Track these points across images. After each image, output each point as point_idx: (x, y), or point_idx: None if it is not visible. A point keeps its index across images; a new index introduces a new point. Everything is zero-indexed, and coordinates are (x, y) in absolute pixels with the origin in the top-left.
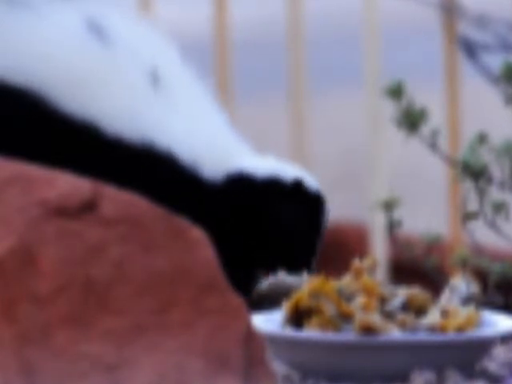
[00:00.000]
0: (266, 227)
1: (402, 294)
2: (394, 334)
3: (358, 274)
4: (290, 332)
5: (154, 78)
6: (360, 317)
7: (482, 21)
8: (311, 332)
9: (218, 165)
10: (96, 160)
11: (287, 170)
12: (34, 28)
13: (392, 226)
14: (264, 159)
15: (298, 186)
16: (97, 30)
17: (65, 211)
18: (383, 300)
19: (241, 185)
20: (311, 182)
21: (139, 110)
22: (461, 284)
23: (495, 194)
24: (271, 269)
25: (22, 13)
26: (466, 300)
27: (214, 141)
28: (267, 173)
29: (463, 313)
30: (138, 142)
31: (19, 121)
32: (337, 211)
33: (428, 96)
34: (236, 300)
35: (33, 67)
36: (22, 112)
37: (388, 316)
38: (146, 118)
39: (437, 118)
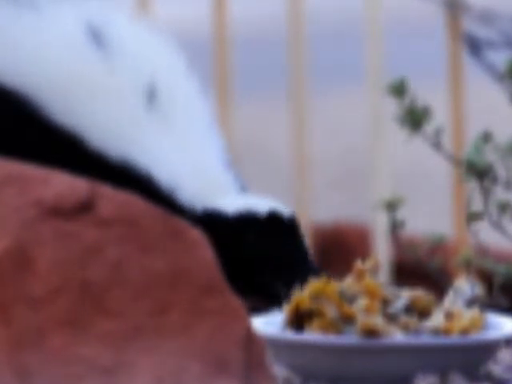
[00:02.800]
0: (241, 261)
1: (404, 295)
2: (396, 336)
3: (360, 275)
4: (290, 335)
5: (151, 94)
6: (362, 319)
7: (486, 17)
8: (312, 335)
9: (198, 195)
10: (72, 170)
11: (261, 204)
12: (31, 31)
13: (394, 227)
14: (242, 197)
15: (272, 219)
16: (97, 37)
17: (61, 211)
18: (386, 302)
19: (215, 221)
20: (284, 211)
21: (126, 127)
22: (465, 286)
23: (500, 193)
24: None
25: (23, 14)
26: (471, 302)
27: (199, 170)
28: (240, 208)
29: (467, 315)
30: (118, 158)
31: (1, 122)
32: (338, 211)
33: (431, 94)
34: (236, 301)
35: (25, 70)
36: (6, 113)
37: (391, 318)
38: (131, 136)
39: (440, 116)
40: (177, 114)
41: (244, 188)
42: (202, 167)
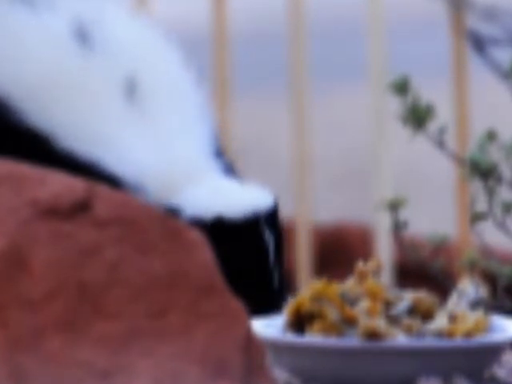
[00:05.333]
0: None
1: (407, 297)
2: (399, 339)
3: (362, 277)
4: (291, 337)
5: (130, 89)
6: (364, 322)
7: (490, 14)
8: (313, 337)
9: (165, 193)
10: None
11: (216, 205)
12: (16, 28)
13: (397, 227)
14: (215, 188)
15: (215, 227)
16: (84, 34)
17: (57, 212)
18: (388, 304)
19: None
20: (235, 216)
21: (97, 126)
22: (469, 287)
23: (505, 193)
24: None
25: (15, 11)
26: (475, 304)
27: (174, 163)
28: (191, 213)
29: (471, 317)
30: (85, 158)
31: None
32: (339, 212)
33: (435, 92)
34: (235, 303)
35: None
36: None
37: (393, 321)
38: (101, 135)
39: (444, 114)
40: (159, 106)
41: (233, 174)
42: (177, 158)
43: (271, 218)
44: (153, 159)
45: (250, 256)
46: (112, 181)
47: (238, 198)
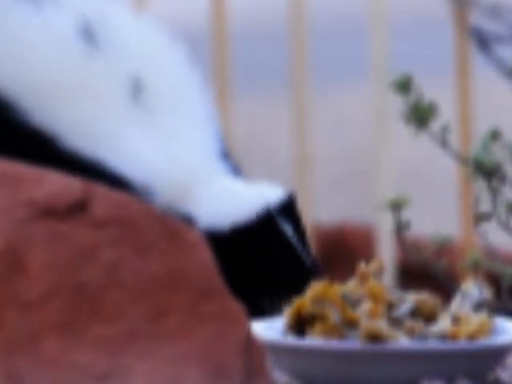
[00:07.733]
0: None
1: (410, 299)
2: (401, 341)
3: (364, 278)
4: (291, 340)
5: (135, 89)
6: (366, 324)
7: (494, 11)
8: (314, 340)
9: (173, 193)
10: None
11: (228, 210)
12: (20, 27)
13: (400, 228)
14: (228, 190)
15: (233, 235)
16: (88, 33)
17: (54, 212)
18: (390, 306)
19: None
20: (251, 224)
21: (102, 126)
22: (472, 289)
23: (509, 193)
24: None
25: (19, 8)
26: (478, 306)
27: (180, 165)
28: (206, 224)
29: (475, 319)
30: (91, 158)
31: None
32: (340, 212)
33: (438, 90)
34: (235, 305)
35: (2, 68)
36: None
37: (395, 323)
38: (107, 135)
39: (447, 113)
40: (165, 106)
41: (239, 175)
42: (183, 159)
43: (286, 208)
44: (159, 159)
45: (273, 250)
46: (118, 181)
47: (248, 198)
